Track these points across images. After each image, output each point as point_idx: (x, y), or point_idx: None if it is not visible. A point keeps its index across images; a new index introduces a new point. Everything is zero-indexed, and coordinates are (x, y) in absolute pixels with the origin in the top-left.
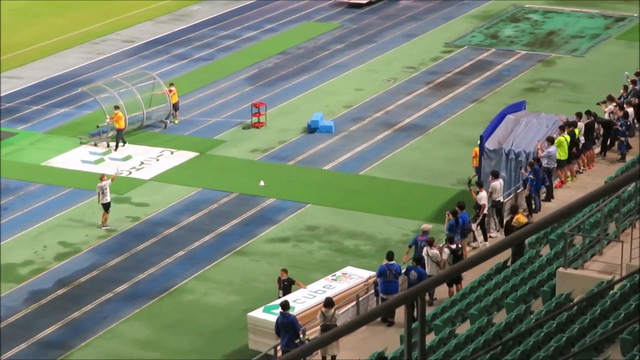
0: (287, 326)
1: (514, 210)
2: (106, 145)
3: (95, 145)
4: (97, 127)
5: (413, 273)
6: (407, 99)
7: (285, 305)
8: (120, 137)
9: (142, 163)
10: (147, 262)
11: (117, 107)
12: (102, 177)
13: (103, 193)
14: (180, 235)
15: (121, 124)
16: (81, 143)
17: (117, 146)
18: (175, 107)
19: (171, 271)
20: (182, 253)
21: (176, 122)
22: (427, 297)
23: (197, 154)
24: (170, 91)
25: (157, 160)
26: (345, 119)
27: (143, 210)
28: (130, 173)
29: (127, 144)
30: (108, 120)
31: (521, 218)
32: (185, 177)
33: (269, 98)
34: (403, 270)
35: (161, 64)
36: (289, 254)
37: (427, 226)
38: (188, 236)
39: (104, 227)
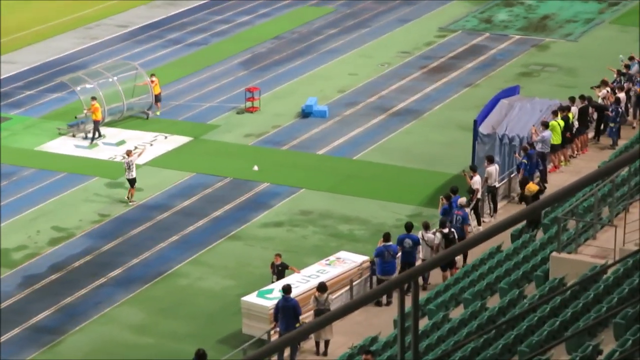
0: (288, 310)
1: (524, 183)
2: (84, 137)
3: (74, 136)
4: (75, 118)
5: (407, 241)
6: (402, 84)
7: (287, 289)
8: (96, 128)
9: (136, 148)
10: (141, 247)
11: (94, 98)
12: (128, 153)
13: (129, 168)
14: (175, 219)
15: (98, 116)
16: (59, 134)
17: (93, 138)
18: (158, 98)
19: (165, 255)
20: (176, 237)
21: (158, 113)
22: (420, 282)
23: (191, 138)
24: (152, 82)
25: (151, 145)
26: (340, 104)
27: (137, 194)
28: (124, 158)
29: (102, 137)
30: (85, 111)
31: (532, 187)
32: (179, 161)
33: (263, 83)
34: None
35: (155, 48)
36: (283, 239)
37: (463, 200)
38: (182, 221)
39: (130, 202)
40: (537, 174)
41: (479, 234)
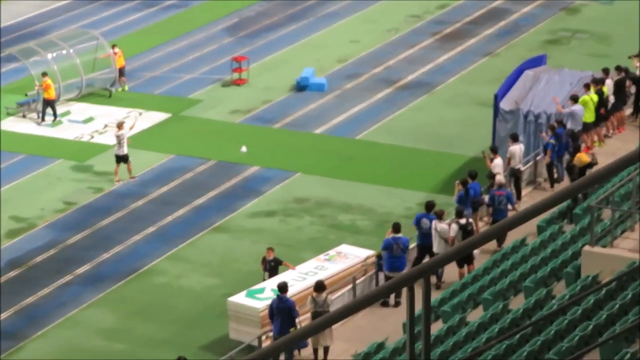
0: (283, 312)
1: (576, 149)
2: (37, 117)
3: (24, 116)
4: (26, 95)
5: (425, 221)
6: (411, 53)
7: (283, 288)
8: (48, 108)
9: (105, 126)
10: (112, 240)
11: (45, 74)
12: (119, 125)
13: (119, 143)
14: (150, 209)
15: (50, 94)
16: (8, 114)
17: (43, 117)
18: (122, 72)
19: (140, 250)
20: (153, 229)
21: (126, 88)
22: (433, 279)
23: (169, 115)
24: (115, 54)
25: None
26: (340, 76)
27: (107, 180)
28: (92, 137)
29: (58, 118)
30: (37, 87)
31: (583, 157)
32: (156, 142)
33: (251, 51)
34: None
35: (126, 12)
36: (275, 231)
37: (501, 178)
38: (159, 210)
39: (131, 179)
40: (567, 156)
41: (506, 220)
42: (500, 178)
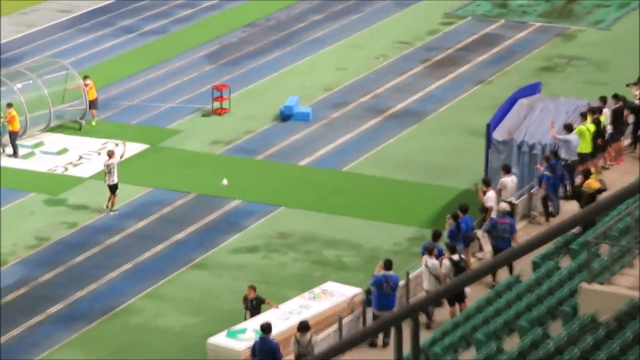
0: (267, 353)
1: (586, 174)
2: (1, 150)
3: None
4: None
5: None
6: (400, 80)
7: (266, 328)
8: (13, 141)
9: (80, 157)
10: (87, 277)
11: (10, 105)
12: (110, 154)
13: (109, 172)
14: (127, 244)
15: (15, 126)
16: None
17: (15, 151)
18: (93, 104)
19: (116, 287)
20: (129, 266)
21: (93, 123)
22: (423, 318)
23: (147, 146)
24: (86, 85)
25: (99, 154)
26: (325, 104)
27: (82, 214)
28: (67, 170)
29: (30, 150)
30: (2, 120)
31: (593, 183)
32: (133, 174)
33: (233, 79)
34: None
35: (104, 38)
36: (258, 267)
37: (505, 205)
38: (136, 245)
39: (111, 212)
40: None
41: (503, 254)
42: (504, 205)
